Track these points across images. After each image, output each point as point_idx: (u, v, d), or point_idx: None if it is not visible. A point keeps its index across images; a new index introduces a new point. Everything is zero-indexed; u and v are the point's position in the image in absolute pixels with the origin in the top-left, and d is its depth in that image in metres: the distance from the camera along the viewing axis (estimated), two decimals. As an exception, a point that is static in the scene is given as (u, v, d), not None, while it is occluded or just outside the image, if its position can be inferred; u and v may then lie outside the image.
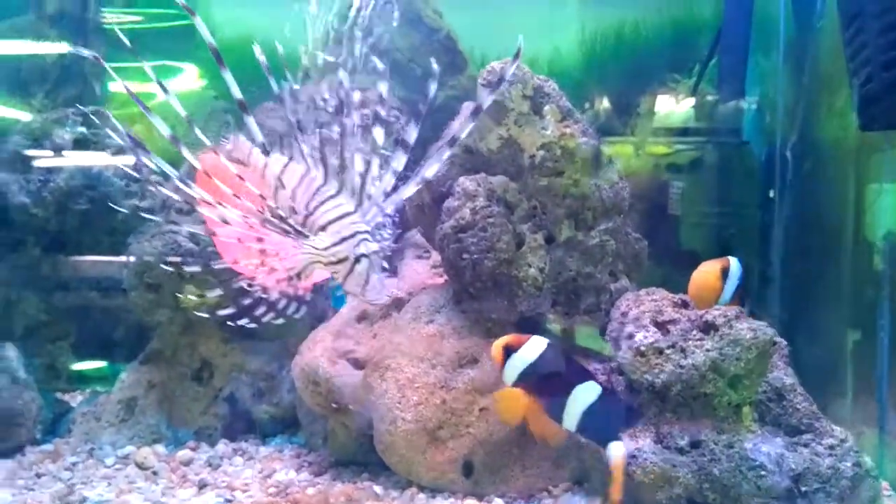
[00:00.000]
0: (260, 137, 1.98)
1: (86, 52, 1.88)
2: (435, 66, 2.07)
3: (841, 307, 3.29)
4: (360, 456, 2.95)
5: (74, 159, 3.40)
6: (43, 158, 3.36)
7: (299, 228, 2.06)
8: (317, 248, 2.06)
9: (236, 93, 1.88)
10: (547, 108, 2.56)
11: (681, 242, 3.92)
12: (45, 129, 3.36)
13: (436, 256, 3.15)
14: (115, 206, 3.10)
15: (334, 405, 2.83)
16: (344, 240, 2.04)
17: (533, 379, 2.23)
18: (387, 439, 2.58)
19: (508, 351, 2.26)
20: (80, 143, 3.37)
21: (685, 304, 2.45)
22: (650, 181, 3.97)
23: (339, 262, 2.05)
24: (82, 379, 3.85)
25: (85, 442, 3.22)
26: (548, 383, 2.22)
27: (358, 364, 2.82)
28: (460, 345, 2.68)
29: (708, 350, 2.31)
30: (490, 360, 2.59)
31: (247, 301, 2.10)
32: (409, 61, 4.12)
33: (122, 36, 1.83)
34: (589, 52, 4.34)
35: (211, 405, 3.37)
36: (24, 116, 3.87)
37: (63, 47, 4.09)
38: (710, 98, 4.04)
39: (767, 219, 3.78)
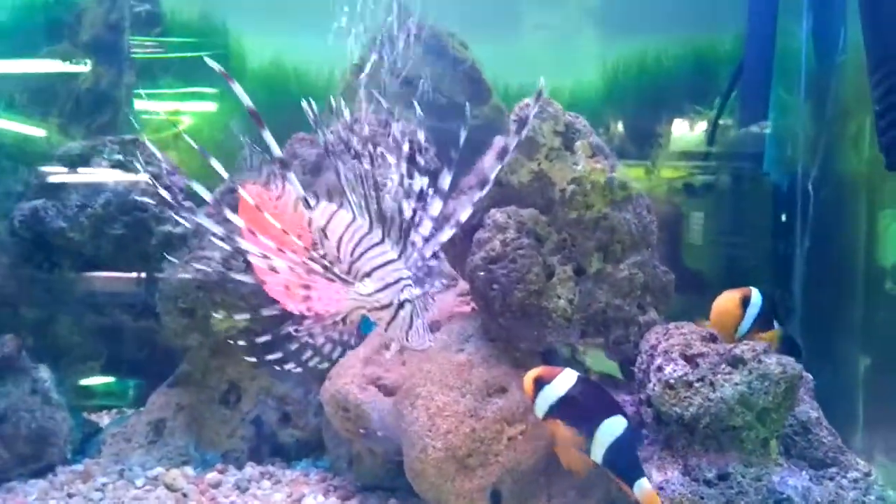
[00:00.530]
0: (301, 191, 2.02)
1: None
2: (467, 107, 2.12)
3: (855, 334, 3.34)
4: (386, 481, 3.00)
5: (111, 183, 3.48)
6: (81, 183, 3.44)
7: (344, 276, 2.11)
8: (361, 294, 2.11)
9: (276, 150, 1.92)
10: (578, 143, 2.62)
11: (700, 271, 3.97)
12: (83, 156, 3.45)
13: (463, 285, 3.21)
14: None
15: (363, 431, 2.87)
16: (388, 286, 2.08)
17: (563, 411, 2.26)
18: (417, 466, 2.62)
19: (539, 383, 2.29)
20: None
21: (714, 338, 2.48)
22: (668, 210, 4.03)
23: (383, 307, 2.09)
24: (111, 399, 3.91)
25: (115, 462, 3.28)
26: (577, 415, 2.26)
27: (387, 391, 2.87)
28: (489, 374, 2.72)
29: (737, 384, 2.34)
30: (519, 390, 2.67)
31: (293, 346, 2.15)
32: (434, 91, 4.20)
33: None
34: (611, 83, 4.42)
35: (238, 428, 3.42)
36: (58, 141, 3.98)
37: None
38: (730, 129, 4.10)
39: (788, 250, 3.82)
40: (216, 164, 1.85)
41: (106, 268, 3.48)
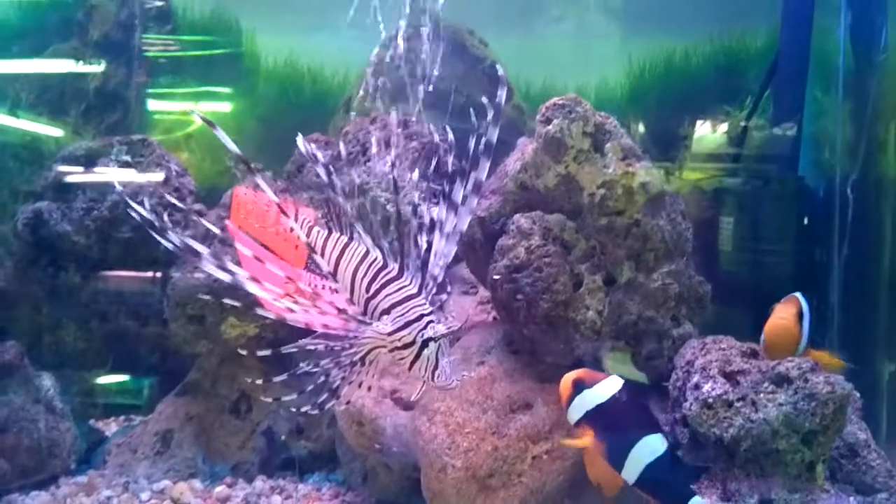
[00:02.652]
0: (274, 197, 1.87)
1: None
2: (487, 104, 1.95)
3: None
4: (402, 498, 2.87)
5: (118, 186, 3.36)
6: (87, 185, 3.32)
7: (360, 318, 1.97)
8: (380, 333, 1.96)
9: (271, 195, 1.79)
10: (609, 145, 2.46)
11: (732, 280, 3.79)
12: (90, 156, 3.33)
13: (483, 292, 3.06)
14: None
15: (378, 446, 2.73)
16: (408, 324, 1.93)
17: (599, 420, 2.10)
18: (435, 486, 2.47)
19: (579, 386, 2.13)
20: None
21: (754, 354, 2.32)
22: (696, 215, 3.85)
23: (405, 347, 1.94)
24: (118, 407, 3.80)
25: (120, 474, 3.17)
26: (614, 428, 2.10)
27: (404, 405, 2.73)
28: (512, 389, 2.57)
29: (781, 404, 2.17)
30: (545, 406, 2.52)
31: (310, 387, 2.02)
32: (453, 91, 4.05)
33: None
34: (636, 82, 4.25)
35: (248, 439, 3.29)
36: (65, 140, 3.87)
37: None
38: (762, 131, 3.92)
39: (825, 257, 3.64)
40: (225, 138, 1.69)
41: (113, 272, 3.36)
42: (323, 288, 2.00)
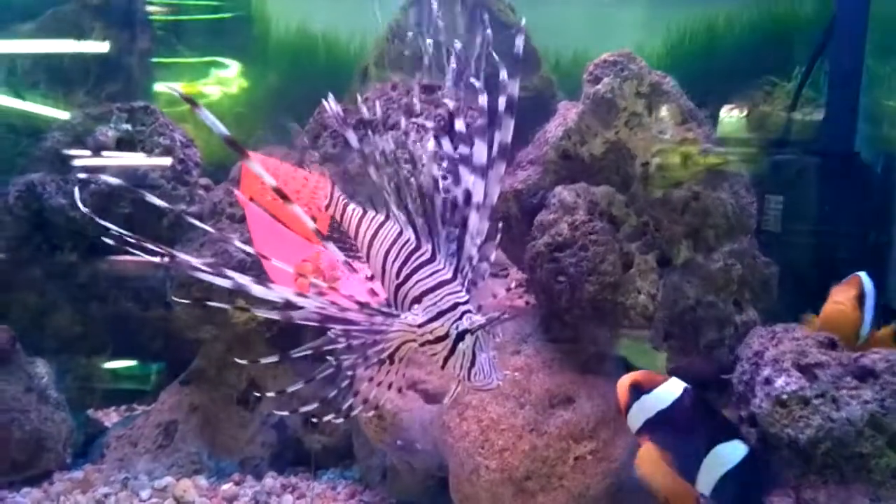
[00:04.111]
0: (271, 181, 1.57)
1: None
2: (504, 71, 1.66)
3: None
4: (425, 499, 2.63)
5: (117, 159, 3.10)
6: (83, 157, 3.06)
7: (385, 310, 1.70)
8: (410, 325, 1.69)
9: (270, 180, 1.50)
10: (665, 107, 2.18)
11: (781, 264, 3.51)
12: (87, 126, 3.07)
13: (514, 274, 2.80)
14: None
15: (400, 443, 2.48)
16: (441, 314, 1.66)
17: (663, 428, 1.84)
18: (467, 489, 2.22)
19: (637, 391, 1.87)
20: (125, 142, 3.06)
21: (833, 345, 2.05)
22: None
23: (438, 340, 1.66)
24: (118, 395, 3.56)
25: (119, 470, 2.94)
26: (682, 435, 1.84)
27: (429, 397, 2.47)
28: (552, 381, 2.31)
29: (866, 402, 1.91)
30: (589, 400, 2.25)
31: (332, 393, 1.75)
32: (478, 59, 3.77)
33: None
34: (675, 51, 3.95)
35: (257, 432, 3.05)
36: (64, 113, 3.61)
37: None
38: (814, 104, 3.62)
39: (882, 237, 3.35)
40: (210, 118, 1.40)
41: (112, 251, 3.10)
42: (343, 270, 1.72)
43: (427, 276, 1.72)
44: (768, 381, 2.01)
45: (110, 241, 1.45)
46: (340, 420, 1.75)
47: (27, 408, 2.83)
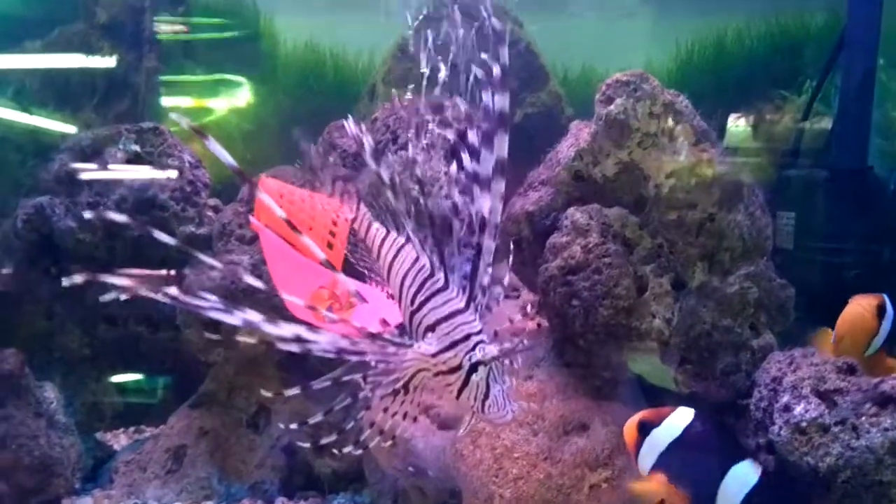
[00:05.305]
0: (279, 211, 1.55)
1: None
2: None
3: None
4: (437, 525, 2.58)
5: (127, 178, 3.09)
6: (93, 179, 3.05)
7: (397, 340, 1.67)
8: (424, 355, 1.66)
9: (280, 212, 1.49)
10: (679, 128, 2.15)
11: (792, 280, 3.46)
12: (96, 147, 3.06)
13: (526, 296, 2.77)
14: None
15: (412, 469, 2.44)
16: (455, 344, 1.63)
17: (678, 459, 1.80)
18: (480, 518, 2.18)
19: (646, 428, 1.83)
20: (134, 164, 3.05)
21: (852, 370, 2.01)
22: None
23: (451, 371, 1.63)
24: (127, 417, 3.53)
25: (128, 495, 2.92)
26: (695, 466, 1.80)
27: (442, 423, 2.43)
28: (566, 407, 2.27)
29: (886, 429, 1.86)
30: (604, 427, 2.22)
31: (349, 425, 1.73)
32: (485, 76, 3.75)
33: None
34: (685, 65, 3.93)
35: (268, 456, 3.02)
36: (72, 128, 3.61)
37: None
38: (825, 118, 3.58)
39: (896, 255, 3.30)
40: (219, 150, 1.38)
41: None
42: (357, 297, 1.69)
43: (441, 305, 1.69)
44: (787, 408, 1.97)
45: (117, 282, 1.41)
46: (359, 451, 1.72)
47: (36, 433, 2.80)
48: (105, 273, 1.45)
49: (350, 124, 1.87)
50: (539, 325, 2.65)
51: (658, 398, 2.36)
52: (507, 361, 1.65)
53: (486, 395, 1.60)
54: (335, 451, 1.72)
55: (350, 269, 2.14)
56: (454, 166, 1.80)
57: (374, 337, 1.63)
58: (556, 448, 2.21)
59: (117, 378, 3.36)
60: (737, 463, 1.82)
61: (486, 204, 1.65)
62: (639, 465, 1.86)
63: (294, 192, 2.34)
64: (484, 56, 1.57)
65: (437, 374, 1.66)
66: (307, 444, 1.82)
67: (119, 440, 3.43)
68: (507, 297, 2.80)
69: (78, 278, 1.37)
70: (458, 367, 1.62)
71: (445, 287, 1.71)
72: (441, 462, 2.38)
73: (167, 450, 2.98)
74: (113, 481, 2.97)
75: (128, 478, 2.94)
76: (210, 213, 3.13)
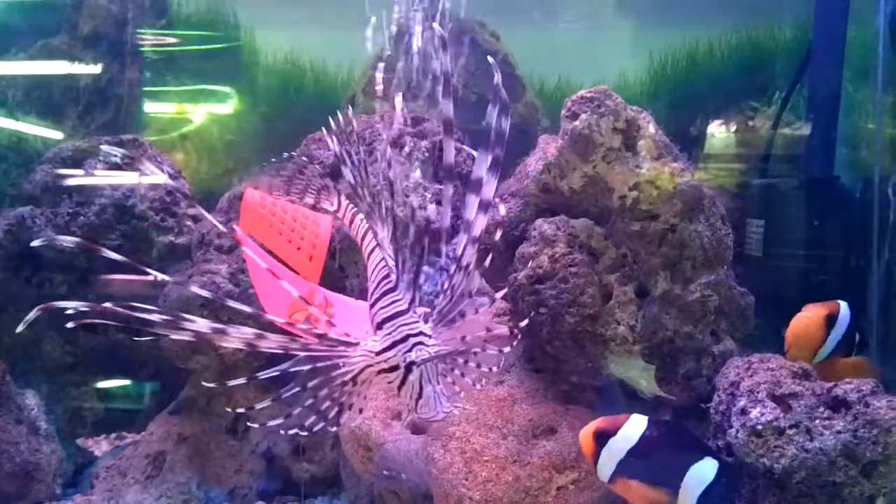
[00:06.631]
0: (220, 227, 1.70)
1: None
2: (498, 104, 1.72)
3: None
4: (412, 528, 2.63)
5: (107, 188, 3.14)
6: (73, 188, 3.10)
7: (343, 339, 1.76)
8: (370, 352, 1.76)
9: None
10: (641, 142, 2.23)
11: (761, 289, 3.55)
12: (77, 158, 3.10)
13: (499, 303, 2.83)
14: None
15: (386, 473, 2.50)
16: (395, 344, 1.73)
17: (636, 465, 1.87)
18: (451, 520, 2.24)
19: (602, 437, 1.89)
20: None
21: (807, 375, 2.09)
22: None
23: (392, 369, 1.73)
24: (108, 424, 3.56)
25: (108, 500, 2.94)
26: (655, 468, 1.87)
27: (415, 428, 2.49)
28: (534, 412, 2.35)
29: (839, 431, 1.94)
30: (571, 431, 2.28)
31: (297, 410, 1.81)
32: (463, 87, 3.82)
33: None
34: (658, 76, 4.01)
35: (246, 462, 3.06)
36: (55, 141, 3.65)
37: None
38: (793, 128, 3.67)
39: (862, 262, 3.39)
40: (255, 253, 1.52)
41: (101, 282, 3.13)
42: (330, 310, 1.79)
43: (387, 305, 1.81)
44: (744, 412, 2.04)
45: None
46: (305, 434, 1.80)
47: (17, 440, 2.84)
48: (70, 300, 1.55)
49: (332, 143, 2.00)
50: (512, 331, 2.72)
51: (634, 400, 2.44)
52: (445, 362, 1.75)
53: (420, 395, 1.69)
54: (283, 431, 1.82)
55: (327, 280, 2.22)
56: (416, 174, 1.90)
57: (321, 337, 1.71)
58: (525, 451, 2.28)
59: (98, 385, 3.38)
60: (695, 462, 1.89)
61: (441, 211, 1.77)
62: (598, 473, 1.93)
63: (276, 203, 2.41)
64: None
65: (379, 372, 1.75)
66: (256, 425, 1.92)
67: (100, 446, 3.45)
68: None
69: (32, 315, 1.48)
70: (397, 367, 1.72)
71: (394, 288, 1.81)
72: (415, 466, 2.44)
73: (147, 455, 3.01)
74: (93, 487, 3.00)
75: (108, 483, 2.98)
76: (189, 223, 3.18)
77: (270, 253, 2.22)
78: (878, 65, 3.39)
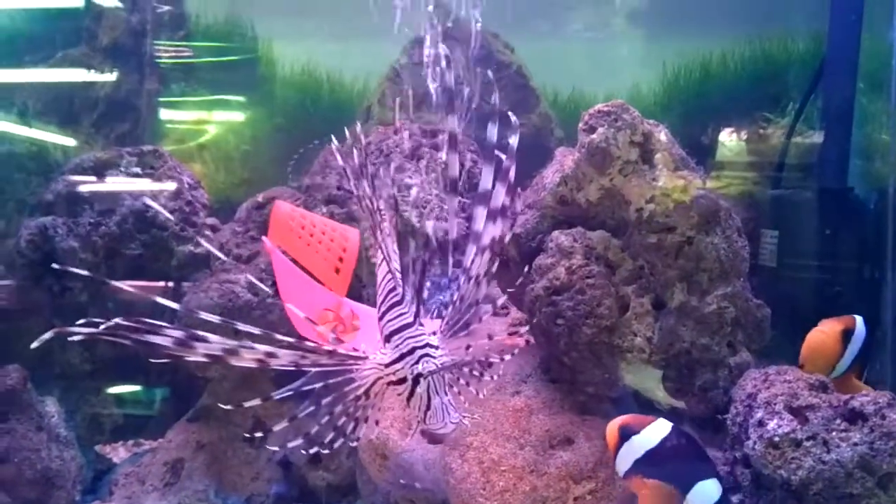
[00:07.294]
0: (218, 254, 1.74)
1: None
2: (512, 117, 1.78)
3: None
4: (428, 536, 2.65)
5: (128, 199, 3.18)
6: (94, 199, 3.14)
7: (352, 353, 1.80)
8: (379, 364, 1.79)
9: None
10: (658, 155, 2.25)
11: (775, 300, 3.55)
12: (97, 169, 3.15)
13: (515, 314, 2.85)
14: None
15: (403, 482, 2.52)
16: (402, 356, 1.76)
17: (650, 467, 1.89)
18: (468, 530, 2.26)
19: (626, 433, 1.92)
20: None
21: (824, 387, 2.10)
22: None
23: (400, 382, 1.76)
24: (127, 431, 3.60)
25: (127, 508, 2.97)
26: (666, 473, 1.89)
27: (433, 437, 2.51)
28: (552, 422, 2.36)
29: (856, 444, 1.95)
30: (588, 441, 2.30)
31: (314, 429, 1.83)
32: (479, 99, 3.85)
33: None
34: (671, 88, 4.03)
35: (264, 469, 3.09)
36: (74, 150, 3.70)
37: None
38: (807, 140, 3.68)
39: (877, 274, 3.39)
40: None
41: (121, 291, 3.17)
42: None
43: (395, 318, 1.84)
44: (761, 424, 2.06)
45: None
46: (327, 451, 1.83)
47: (38, 447, 2.88)
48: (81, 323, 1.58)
49: (338, 155, 2.04)
50: (527, 342, 2.74)
51: (650, 411, 2.45)
52: (452, 374, 1.78)
53: (428, 407, 1.71)
54: (304, 451, 1.85)
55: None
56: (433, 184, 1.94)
57: (331, 353, 1.74)
58: (542, 461, 2.29)
59: (117, 392, 3.42)
60: (703, 479, 1.90)
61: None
62: (616, 465, 1.96)
63: (306, 216, 2.44)
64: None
65: (389, 384, 1.78)
66: (276, 448, 1.94)
67: (118, 453, 3.49)
68: (495, 314, 2.91)
69: (46, 336, 1.55)
70: (405, 379, 1.75)
71: (401, 301, 1.83)
72: (431, 475, 2.46)
73: (165, 463, 3.05)
74: (112, 493, 3.04)
75: (127, 490, 3.01)
76: (208, 233, 3.22)
77: (298, 264, 2.26)
78: (892, 76, 3.40)
